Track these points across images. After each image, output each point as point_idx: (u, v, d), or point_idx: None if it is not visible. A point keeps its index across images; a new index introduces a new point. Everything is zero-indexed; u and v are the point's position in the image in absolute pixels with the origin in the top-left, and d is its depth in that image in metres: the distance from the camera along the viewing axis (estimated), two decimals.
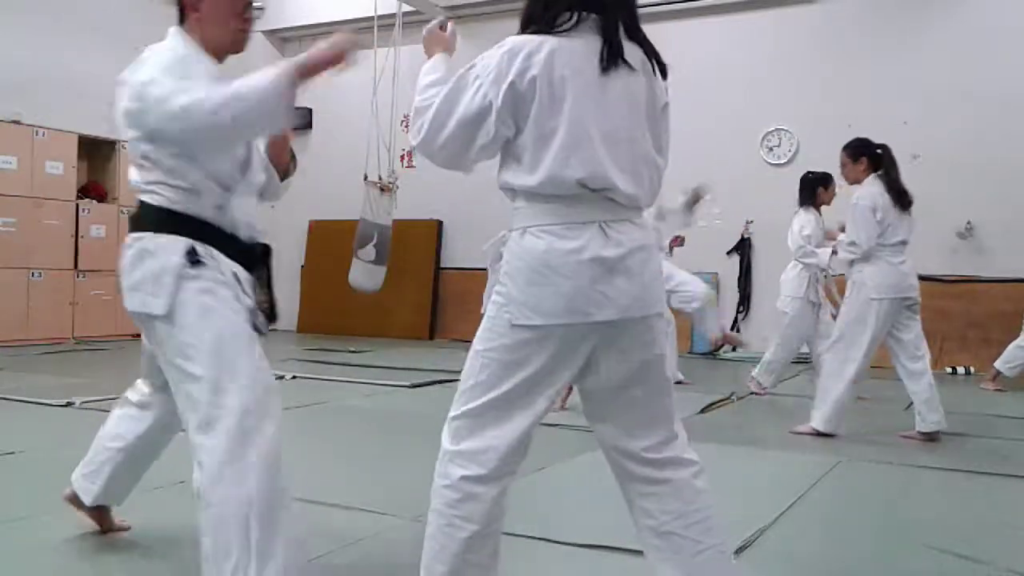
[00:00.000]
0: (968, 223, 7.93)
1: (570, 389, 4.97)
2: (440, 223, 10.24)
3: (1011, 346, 6.42)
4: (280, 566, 1.85)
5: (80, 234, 8.81)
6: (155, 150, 2.02)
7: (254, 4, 2.19)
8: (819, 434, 4.48)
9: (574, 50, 1.74)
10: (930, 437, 4.43)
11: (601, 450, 1.92)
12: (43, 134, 8.53)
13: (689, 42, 9.08)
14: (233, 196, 2.10)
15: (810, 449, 4.21)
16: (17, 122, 8.37)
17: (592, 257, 1.71)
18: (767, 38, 8.71)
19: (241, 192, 2.13)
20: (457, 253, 10.18)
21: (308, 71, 1.90)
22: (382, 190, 8.67)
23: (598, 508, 3.13)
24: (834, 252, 5.16)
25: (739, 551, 2.57)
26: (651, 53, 1.85)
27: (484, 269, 9.76)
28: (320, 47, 1.92)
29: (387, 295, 9.02)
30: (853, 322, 4.52)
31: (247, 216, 2.16)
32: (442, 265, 10.27)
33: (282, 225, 11.11)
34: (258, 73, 1.89)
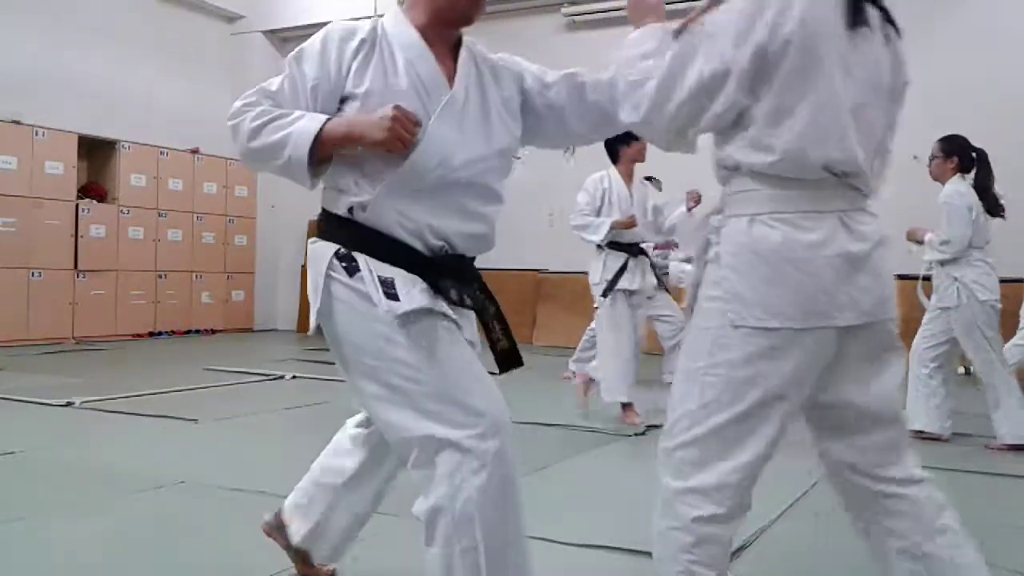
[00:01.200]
0: None
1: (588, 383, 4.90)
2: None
3: (1009, 344, 6.39)
4: None
5: (80, 234, 8.81)
6: None
7: None
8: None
9: (823, 9, 1.47)
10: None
11: (825, 469, 1.71)
12: (43, 134, 8.53)
13: None
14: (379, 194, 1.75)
15: (810, 449, 4.20)
16: (17, 122, 8.37)
17: (838, 252, 1.49)
18: None
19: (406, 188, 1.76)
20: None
21: (355, 141, 1.70)
22: None
23: (598, 508, 3.13)
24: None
25: (739, 551, 2.57)
26: (889, 19, 1.59)
27: (484, 269, 9.80)
28: (376, 123, 1.66)
29: None
30: (984, 326, 4.35)
31: (422, 219, 1.78)
32: None
33: (282, 225, 11.11)
34: (302, 121, 1.71)
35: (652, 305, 6.36)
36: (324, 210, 1.84)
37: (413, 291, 1.72)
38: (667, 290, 6.33)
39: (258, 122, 1.73)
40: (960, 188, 4.47)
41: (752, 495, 1.57)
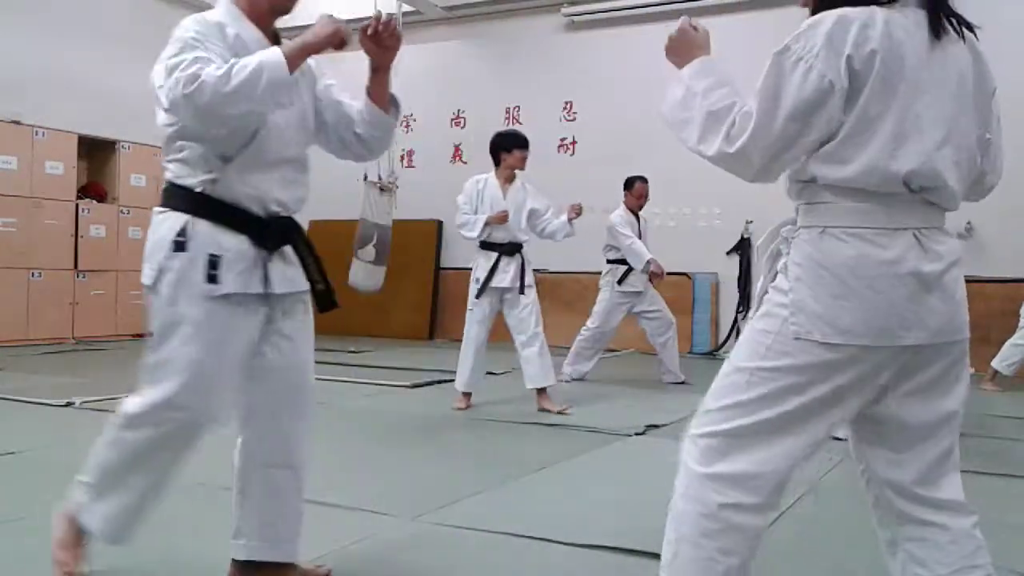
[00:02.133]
0: (968, 223, 7.94)
1: None
2: (440, 223, 10.24)
3: (1007, 344, 6.42)
4: None
5: (80, 234, 8.81)
6: (166, 123, 2.06)
7: None
8: None
9: (905, 22, 1.48)
10: None
11: (863, 480, 1.69)
12: (43, 134, 8.53)
13: None
14: (235, 168, 2.05)
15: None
16: (17, 122, 8.37)
17: (911, 271, 1.46)
18: (767, 38, 8.66)
19: (254, 164, 2.07)
20: (457, 253, 10.17)
21: (310, 50, 2.00)
22: (382, 190, 8.65)
23: (598, 508, 3.13)
24: None
25: None
26: (968, 26, 1.60)
27: None
28: (315, 31, 2.00)
29: (387, 295, 8.98)
30: None
31: (265, 189, 2.09)
32: (442, 265, 10.27)
33: None
34: (263, 51, 1.98)
35: (638, 303, 6.39)
36: (171, 183, 2.10)
37: (228, 276, 2.04)
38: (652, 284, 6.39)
39: (221, 71, 1.90)
40: None
41: (782, 493, 1.55)
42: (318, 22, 2.03)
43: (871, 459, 1.63)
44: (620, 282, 6.35)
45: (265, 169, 2.09)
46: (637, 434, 4.45)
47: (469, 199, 5.23)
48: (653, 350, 6.74)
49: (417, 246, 10.06)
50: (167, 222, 2.07)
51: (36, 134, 8.49)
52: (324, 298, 2.24)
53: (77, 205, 8.83)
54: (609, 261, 6.46)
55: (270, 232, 2.11)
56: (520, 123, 9.77)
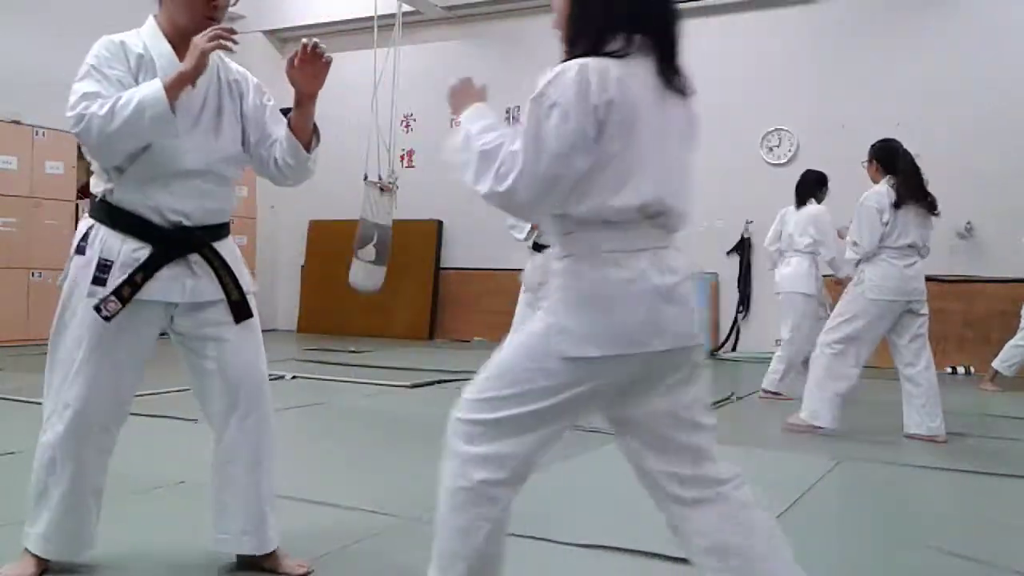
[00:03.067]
0: (968, 223, 7.94)
1: None
2: (440, 223, 10.24)
3: (1008, 345, 6.42)
4: None
5: None
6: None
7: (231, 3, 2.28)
8: (812, 428, 4.57)
9: (636, 73, 1.70)
10: (931, 439, 4.43)
11: (635, 473, 1.88)
12: (43, 134, 8.53)
13: (689, 42, 9.08)
14: (129, 178, 2.16)
15: (810, 449, 4.21)
16: (17, 122, 8.37)
17: (649, 286, 1.67)
18: (767, 38, 8.71)
19: (148, 176, 2.16)
20: (457, 253, 10.18)
21: (187, 79, 2.07)
22: (382, 190, 8.66)
23: (598, 508, 3.13)
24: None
25: None
26: (685, 80, 1.83)
27: (484, 269, 9.76)
28: (188, 59, 2.07)
29: (387, 295, 9.01)
30: (846, 317, 4.58)
31: (161, 200, 2.18)
32: (442, 265, 10.27)
33: (282, 225, 11.12)
34: (144, 86, 2.07)
35: None
36: (91, 192, 2.23)
37: (115, 281, 2.13)
38: None
39: (106, 108, 2.02)
40: (880, 189, 4.61)
41: (532, 470, 1.75)
42: (191, 46, 2.07)
43: (639, 455, 1.82)
44: None
45: (162, 181, 2.17)
46: None
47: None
48: None
49: (417, 246, 10.07)
50: (80, 227, 2.25)
51: (36, 134, 8.49)
52: (238, 308, 2.28)
53: (77, 205, 8.83)
54: None
55: (172, 241, 2.19)
56: (520, 123, 9.77)
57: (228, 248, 2.31)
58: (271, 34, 10.94)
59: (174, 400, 5.22)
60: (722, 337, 8.92)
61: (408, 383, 6.15)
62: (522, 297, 5.87)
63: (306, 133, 2.31)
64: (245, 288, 2.31)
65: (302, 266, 10.92)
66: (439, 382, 6.11)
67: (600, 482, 3.55)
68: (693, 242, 6.90)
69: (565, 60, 1.72)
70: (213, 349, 2.27)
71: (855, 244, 4.59)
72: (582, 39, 1.73)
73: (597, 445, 4.21)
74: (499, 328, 5.56)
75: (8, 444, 3.83)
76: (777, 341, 8.59)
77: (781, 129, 8.73)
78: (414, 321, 10.13)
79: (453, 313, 9.99)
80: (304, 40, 2.22)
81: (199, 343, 2.28)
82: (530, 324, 1.76)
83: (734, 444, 4.31)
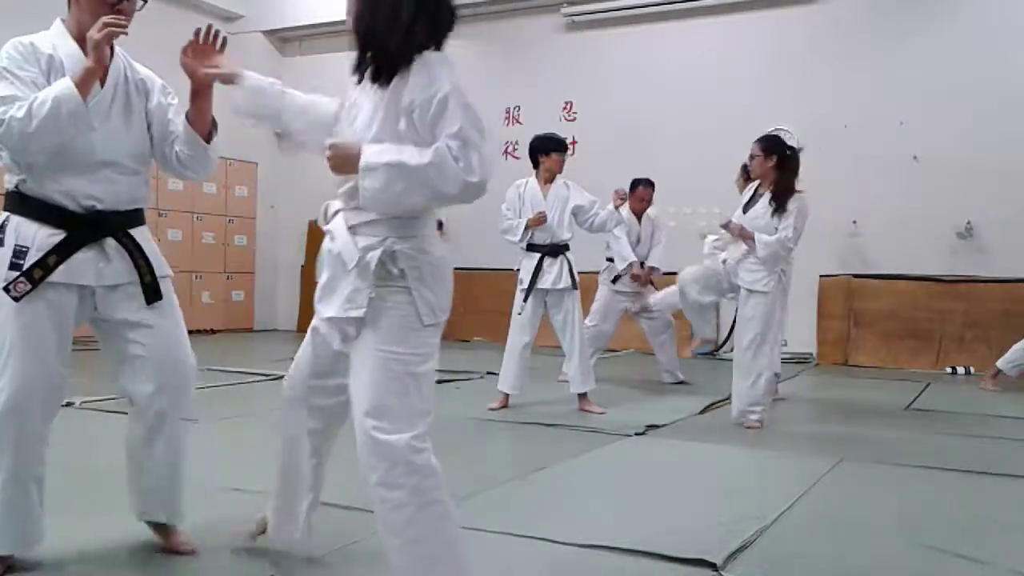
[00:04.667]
0: (968, 223, 7.94)
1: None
2: (440, 223, 10.21)
3: (1016, 346, 6.32)
4: None
5: None
6: None
7: None
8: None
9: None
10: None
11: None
12: None
13: (689, 42, 9.08)
14: (43, 169, 2.24)
15: (810, 449, 4.21)
16: None
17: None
18: (767, 38, 8.71)
19: (60, 167, 2.25)
20: (457, 253, 10.18)
21: (93, 74, 2.18)
22: None
23: (598, 508, 3.13)
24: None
25: (739, 551, 2.57)
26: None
27: (484, 269, 9.76)
28: (91, 40, 2.16)
29: None
30: (775, 314, 4.77)
31: (74, 186, 2.27)
32: None
33: (282, 225, 11.12)
34: (56, 85, 2.16)
35: (637, 301, 6.39)
36: (7, 187, 2.31)
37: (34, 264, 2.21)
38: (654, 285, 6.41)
39: (23, 110, 2.11)
40: (800, 193, 4.81)
41: None
42: (88, 40, 2.18)
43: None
44: (614, 281, 6.36)
45: (74, 171, 2.27)
46: (637, 434, 4.45)
47: (511, 204, 5.28)
48: (647, 350, 6.74)
49: None
50: None
51: None
52: (149, 290, 2.39)
53: None
54: (608, 259, 6.46)
55: (86, 225, 2.29)
56: (520, 123, 9.77)
57: (143, 235, 2.42)
58: (271, 34, 10.94)
59: None
60: (722, 337, 8.92)
61: None
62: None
63: (204, 124, 2.41)
64: (159, 272, 2.42)
65: (302, 266, 10.91)
66: (439, 382, 6.09)
67: (600, 482, 3.55)
68: (693, 242, 6.88)
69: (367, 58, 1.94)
70: (138, 334, 2.37)
71: (788, 238, 4.71)
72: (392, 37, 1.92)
73: (597, 445, 4.21)
74: (499, 328, 5.58)
75: None
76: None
77: (781, 129, 8.72)
78: None
79: (453, 313, 9.87)
80: (198, 27, 2.28)
81: (124, 328, 2.38)
82: (388, 309, 1.98)
83: (734, 444, 4.32)
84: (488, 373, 6.41)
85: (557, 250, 5.16)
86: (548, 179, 5.28)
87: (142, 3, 2.35)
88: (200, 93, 2.36)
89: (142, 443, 2.45)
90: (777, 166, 4.81)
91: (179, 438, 2.46)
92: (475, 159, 1.81)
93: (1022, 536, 2.89)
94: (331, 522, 2.79)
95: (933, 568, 2.53)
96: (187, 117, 2.40)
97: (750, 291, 4.74)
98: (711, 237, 5.60)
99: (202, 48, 2.27)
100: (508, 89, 9.92)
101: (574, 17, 9.52)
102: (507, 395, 5.07)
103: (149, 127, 2.44)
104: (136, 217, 2.41)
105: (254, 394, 5.71)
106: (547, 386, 5.86)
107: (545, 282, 5.10)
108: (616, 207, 5.29)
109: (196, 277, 9.99)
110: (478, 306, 9.58)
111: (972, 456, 4.10)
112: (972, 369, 7.53)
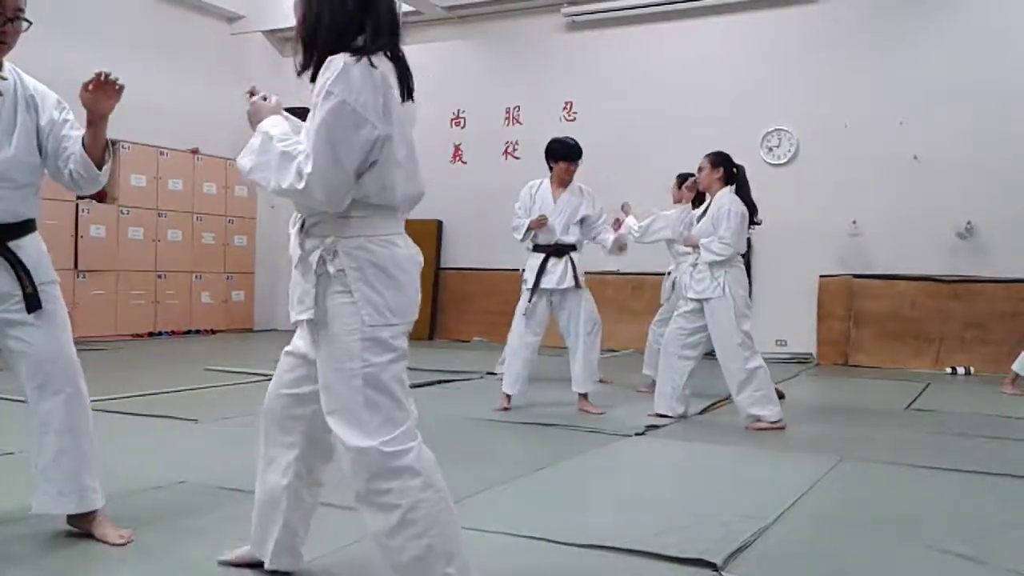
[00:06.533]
0: (968, 223, 7.94)
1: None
2: (440, 223, 10.24)
3: None
4: None
5: (80, 234, 8.80)
6: None
7: (21, 16, 2.50)
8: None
9: (385, 68, 1.91)
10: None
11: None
12: None
13: (689, 42, 9.08)
14: None
15: (810, 449, 4.21)
16: None
17: (418, 261, 2.06)
18: (767, 38, 8.72)
19: None
20: (457, 253, 10.18)
21: None
22: None
23: (598, 508, 3.13)
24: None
25: (739, 551, 2.57)
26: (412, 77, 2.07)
27: (484, 269, 9.75)
28: None
29: None
30: (744, 319, 4.83)
31: None
32: (442, 265, 10.27)
33: (282, 225, 11.11)
34: None
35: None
36: None
37: None
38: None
39: None
40: (736, 198, 4.89)
41: None
42: None
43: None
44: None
45: None
46: (637, 434, 4.45)
47: (523, 204, 5.31)
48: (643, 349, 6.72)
49: (417, 246, 10.05)
50: None
51: None
52: (29, 300, 2.52)
53: (77, 205, 8.82)
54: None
55: None
56: (520, 123, 9.77)
57: (32, 244, 2.56)
58: (271, 34, 10.93)
59: (174, 400, 5.23)
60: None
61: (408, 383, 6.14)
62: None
63: (98, 150, 2.58)
64: (39, 280, 2.54)
65: None
66: (439, 382, 6.10)
67: (600, 482, 3.55)
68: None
69: (309, 60, 1.95)
70: (18, 331, 2.53)
71: (726, 244, 4.77)
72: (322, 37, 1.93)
73: (597, 445, 4.21)
74: (499, 328, 5.57)
75: (8, 444, 3.84)
76: (778, 341, 8.62)
77: (781, 129, 8.73)
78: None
79: (453, 313, 9.99)
80: (97, 71, 2.50)
81: (4, 327, 2.53)
82: (327, 314, 1.99)
83: (734, 444, 4.32)
84: (488, 373, 6.42)
85: (562, 250, 5.16)
86: (562, 182, 5.29)
87: (27, 24, 2.53)
88: (95, 123, 2.54)
89: (36, 436, 2.63)
90: (723, 179, 4.95)
91: (70, 429, 2.61)
92: (307, 167, 1.82)
93: (1022, 536, 2.89)
94: (331, 522, 2.79)
95: (933, 568, 2.53)
96: (83, 142, 2.55)
97: (707, 300, 4.86)
98: (634, 222, 5.72)
99: (102, 86, 2.52)
100: (508, 89, 9.92)
101: (574, 17, 9.52)
102: (508, 396, 5.08)
103: (40, 142, 2.57)
104: (23, 228, 2.55)
105: (254, 394, 5.70)
106: (547, 386, 5.86)
107: (549, 282, 5.11)
108: (614, 229, 5.45)
109: (196, 277, 9.98)
110: (478, 306, 9.59)
111: (972, 456, 4.10)
112: (972, 369, 7.54)
